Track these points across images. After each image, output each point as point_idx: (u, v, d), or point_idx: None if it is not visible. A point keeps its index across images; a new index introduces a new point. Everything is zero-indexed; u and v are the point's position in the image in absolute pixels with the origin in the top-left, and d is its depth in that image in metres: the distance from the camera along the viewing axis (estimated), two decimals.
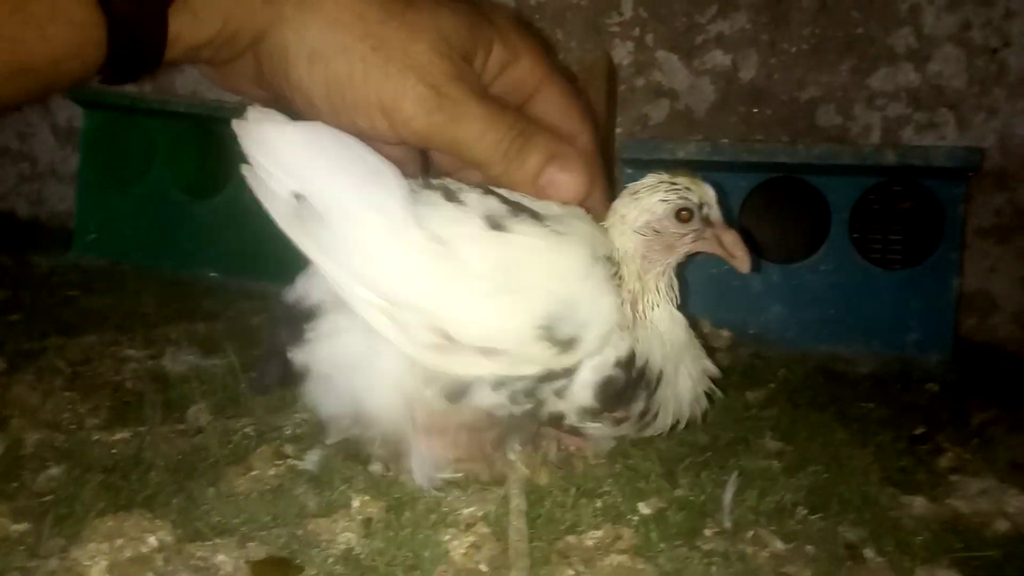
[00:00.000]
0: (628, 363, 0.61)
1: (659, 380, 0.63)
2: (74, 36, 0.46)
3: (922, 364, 1.07)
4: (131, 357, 0.97)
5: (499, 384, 0.58)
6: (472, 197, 0.58)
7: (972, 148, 1.16)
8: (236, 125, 0.55)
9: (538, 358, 0.58)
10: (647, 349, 0.63)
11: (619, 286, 0.62)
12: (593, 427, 0.65)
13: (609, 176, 1.32)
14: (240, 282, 1.32)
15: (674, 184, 0.63)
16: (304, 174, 0.54)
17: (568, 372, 0.60)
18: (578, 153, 0.61)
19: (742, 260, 0.64)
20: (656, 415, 0.65)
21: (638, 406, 0.63)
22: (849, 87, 1.38)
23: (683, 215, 0.63)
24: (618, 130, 1.43)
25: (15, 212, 1.94)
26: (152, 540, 0.53)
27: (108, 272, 1.41)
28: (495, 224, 0.57)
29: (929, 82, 1.35)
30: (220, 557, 0.53)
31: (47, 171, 1.89)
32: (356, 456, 0.67)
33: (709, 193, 0.64)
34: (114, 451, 0.71)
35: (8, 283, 1.30)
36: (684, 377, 0.66)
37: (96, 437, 0.73)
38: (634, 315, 0.63)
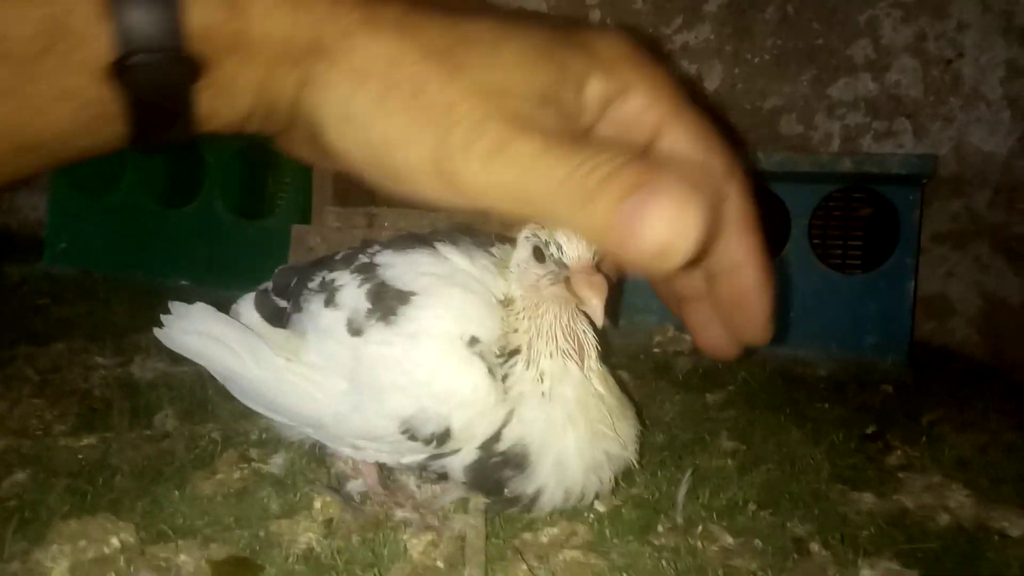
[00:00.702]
0: (490, 444, 0.58)
1: (529, 460, 0.58)
2: (84, 114, 0.41)
3: (878, 366, 1.10)
4: (100, 365, 0.98)
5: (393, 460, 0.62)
6: (347, 294, 0.61)
7: (926, 155, 1.19)
8: (156, 333, 0.65)
9: (419, 449, 0.59)
10: (519, 426, 0.58)
11: (513, 331, 0.60)
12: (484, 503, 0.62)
13: None
14: (211, 290, 1.32)
15: (535, 228, 0.60)
16: (204, 354, 0.63)
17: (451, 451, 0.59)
18: (679, 180, 0.39)
19: (593, 307, 0.56)
20: (537, 496, 0.59)
21: (514, 487, 0.59)
22: (810, 97, 1.41)
23: (536, 253, 0.59)
24: None
25: None
26: (115, 541, 0.54)
27: (79, 281, 1.41)
28: (355, 330, 0.59)
29: (887, 92, 1.38)
30: (182, 557, 0.54)
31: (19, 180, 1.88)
32: (319, 460, 0.68)
33: (563, 235, 0.58)
34: (80, 456, 0.71)
35: None
36: (570, 442, 0.59)
37: (63, 443, 0.74)
38: (513, 384, 0.59)
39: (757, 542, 0.60)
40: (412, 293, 0.59)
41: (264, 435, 0.75)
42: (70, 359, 1.00)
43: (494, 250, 0.64)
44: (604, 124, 0.46)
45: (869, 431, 0.84)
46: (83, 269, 1.48)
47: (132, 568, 0.52)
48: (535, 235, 0.59)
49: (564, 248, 0.58)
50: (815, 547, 0.60)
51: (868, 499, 0.69)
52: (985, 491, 0.71)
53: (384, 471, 0.66)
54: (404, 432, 0.57)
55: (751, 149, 1.39)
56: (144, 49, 0.39)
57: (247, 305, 0.67)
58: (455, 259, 0.62)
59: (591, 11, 1.46)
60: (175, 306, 0.65)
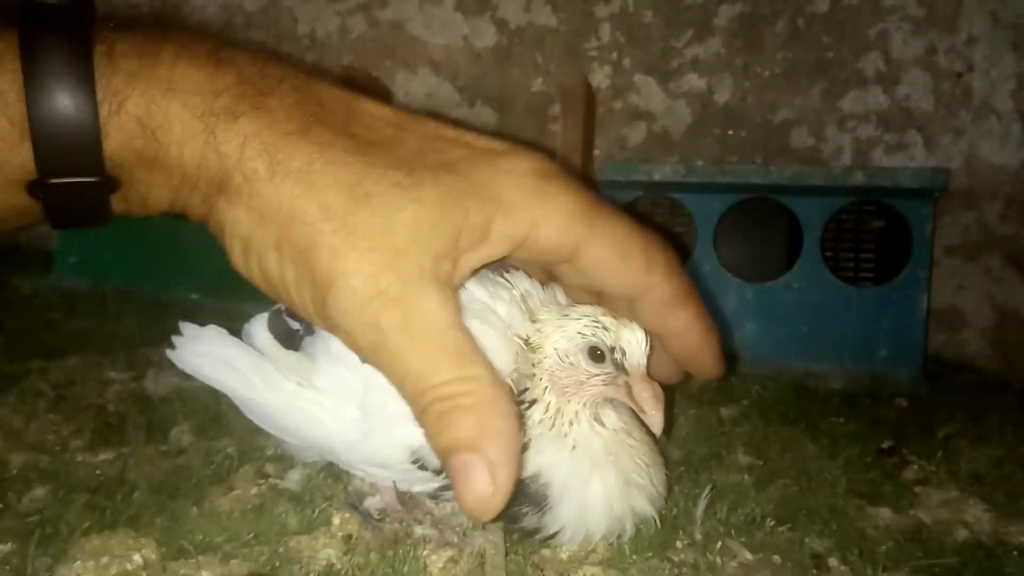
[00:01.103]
0: None
1: (548, 501, 0.57)
2: (11, 210, 0.45)
3: (892, 379, 1.10)
4: (114, 379, 0.98)
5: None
6: None
7: (938, 169, 1.19)
8: (168, 354, 0.64)
9: (431, 479, 0.59)
10: (540, 462, 0.57)
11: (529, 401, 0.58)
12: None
13: None
14: (221, 303, 1.33)
15: (597, 321, 0.58)
16: (215, 377, 0.63)
17: None
18: (506, 457, 0.44)
19: (653, 419, 0.57)
20: (555, 533, 0.58)
21: (530, 521, 0.58)
22: (821, 109, 1.42)
23: (596, 354, 0.57)
24: (596, 152, 1.46)
25: None
26: (137, 558, 0.54)
27: (89, 294, 1.41)
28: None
29: (898, 104, 1.39)
30: (203, 574, 0.54)
31: None
32: (337, 475, 0.68)
33: (630, 338, 0.57)
34: (98, 472, 0.72)
35: None
36: (596, 491, 0.58)
37: (80, 458, 0.74)
38: (530, 425, 0.58)
39: (776, 558, 0.60)
40: None
41: (280, 451, 0.75)
42: (84, 373, 1.00)
43: (510, 278, 0.63)
44: (520, 256, 0.50)
45: (885, 445, 0.84)
46: (93, 282, 1.48)
47: None
48: (596, 335, 0.57)
49: (629, 353, 0.57)
50: (834, 562, 0.60)
51: (885, 514, 0.69)
52: (1002, 506, 0.71)
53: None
54: (414, 462, 0.57)
55: (762, 162, 1.40)
56: (61, 173, 0.43)
57: (260, 326, 0.67)
58: (472, 288, 0.60)
59: (601, 24, 1.47)
60: (187, 328, 0.64)
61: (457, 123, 0.54)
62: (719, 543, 0.61)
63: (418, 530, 0.60)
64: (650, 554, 0.59)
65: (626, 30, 1.47)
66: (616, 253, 0.50)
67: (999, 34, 1.34)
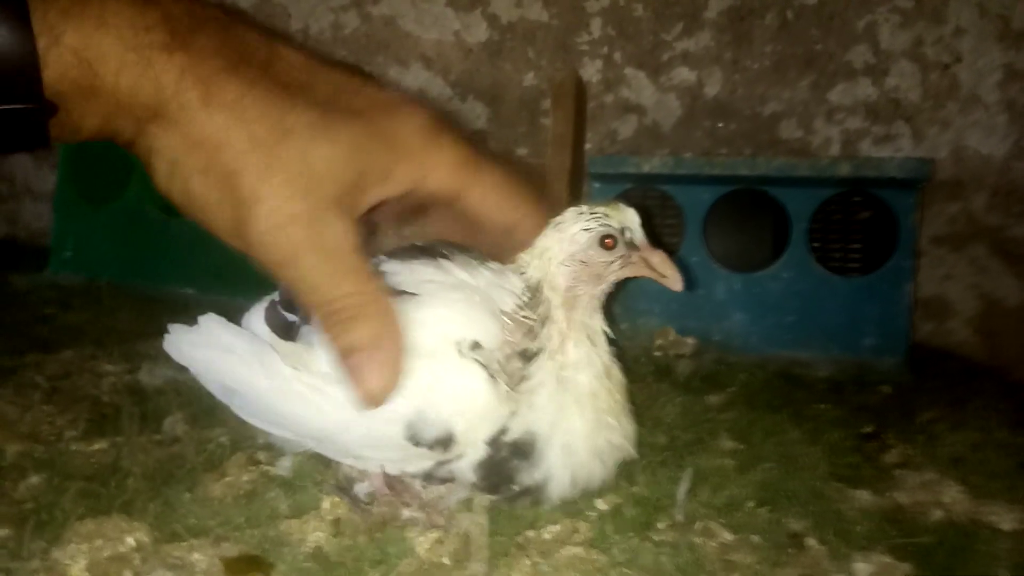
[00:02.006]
0: (498, 438, 0.60)
1: (535, 447, 0.60)
2: None
3: (877, 367, 1.11)
4: (108, 372, 1.00)
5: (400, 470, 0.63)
6: None
7: (923, 159, 1.20)
8: (164, 344, 0.65)
9: (425, 455, 0.60)
10: (529, 413, 0.60)
11: (531, 329, 0.62)
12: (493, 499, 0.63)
13: (578, 191, 1.36)
14: (216, 298, 1.34)
15: (594, 213, 0.63)
16: (213, 368, 0.64)
17: (454, 463, 0.61)
18: (394, 357, 0.55)
19: (673, 279, 0.63)
20: (545, 483, 0.61)
21: (523, 478, 0.61)
22: (809, 102, 1.43)
23: (607, 242, 0.62)
24: (588, 145, 1.47)
25: None
26: (130, 541, 0.55)
27: (85, 289, 1.42)
28: None
29: (886, 96, 1.40)
30: (195, 556, 0.56)
31: (23, 190, 1.91)
32: (326, 461, 0.70)
33: (631, 217, 0.63)
34: (92, 460, 0.73)
35: None
36: (578, 432, 0.61)
37: (75, 448, 0.75)
38: (532, 379, 0.61)
39: (755, 538, 0.61)
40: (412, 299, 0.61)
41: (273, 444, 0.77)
42: (79, 366, 1.01)
43: (491, 265, 0.66)
44: (411, 199, 0.59)
45: (867, 431, 0.85)
46: (89, 277, 1.49)
47: (147, 566, 0.54)
48: (603, 224, 0.62)
49: (635, 230, 0.63)
50: (811, 542, 0.61)
51: (864, 496, 0.71)
52: (978, 487, 0.72)
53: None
54: (409, 438, 0.59)
55: (750, 154, 1.41)
56: (3, 100, 0.47)
57: (257, 317, 0.68)
58: (456, 271, 0.64)
59: (592, 19, 1.48)
60: (177, 325, 0.66)
61: (365, 74, 0.59)
62: (700, 524, 0.62)
63: (405, 513, 0.61)
64: (631, 534, 0.60)
65: (617, 24, 1.48)
66: (496, 192, 0.61)
67: (986, 25, 1.35)
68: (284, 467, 0.70)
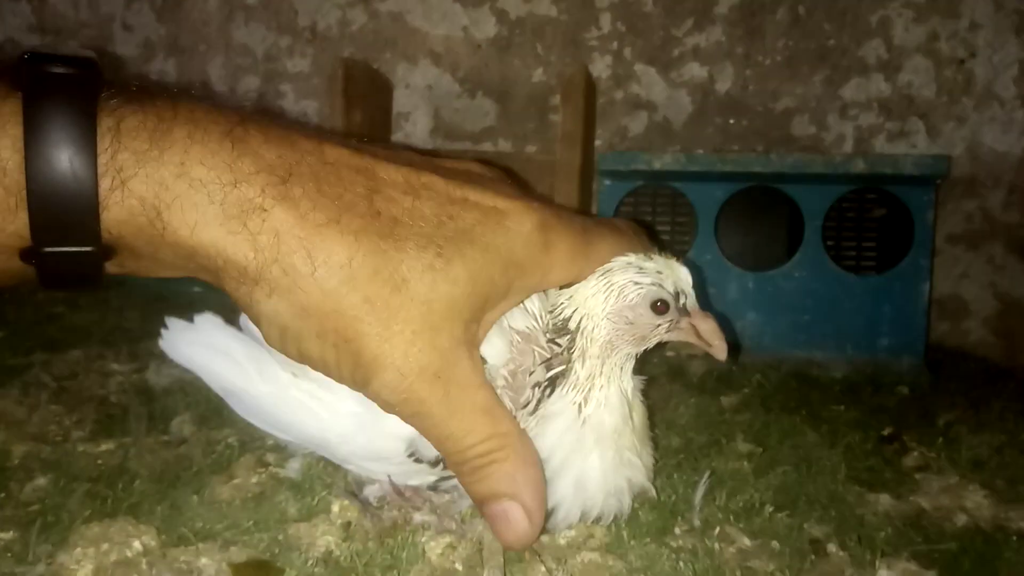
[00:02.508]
0: None
1: (546, 470, 0.56)
2: (5, 273, 0.45)
3: (894, 368, 1.10)
4: (116, 371, 0.99)
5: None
6: None
7: (939, 156, 1.19)
8: (161, 341, 0.64)
9: (427, 471, 0.59)
10: (542, 441, 0.57)
11: (554, 356, 0.58)
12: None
13: (588, 189, 1.35)
14: (224, 297, 1.33)
15: (645, 269, 0.58)
16: (208, 367, 0.62)
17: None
18: (536, 502, 0.52)
19: (719, 349, 0.59)
20: (553, 512, 0.57)
21: None
22: (822, 98, 1.41)
23: (659, 306, 0.58)
24: (597, 142, 1.46)
25: None
26: (137, 545, 0.54)
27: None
28: None
29: (899, 92, 1.38)
30: (203, 560, 0.54)
31: None
32: (336, 464, 0.68)
33: (685, 278, 0.59)
34: (99, 462, 0.72)
35: None
36: (593, 464, 0.58)
37: (82, 448, 0.74)
38: (545, 406, 0.58)
39: (774, 543, 0.60)
40: None
41: (280, 441, 0.76)
42: (86, 366, 1.01)
43: None
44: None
45: (885, 433, 0.84)
46: None
47: (154, 571, 0.53)
48: (657, 284, 0.58)
49: (688, 296, 0.59)
50: (832, 548, 0.60)
51: (885, 500, 0.69)
52: (1002, 491, 0.71)
53: None
54: (410, 455, 0.57)
55: (763, 151, 1.40)
56: (57, 243, 0.43)
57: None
58: None
59: (601, 14, 1.47)
60: (177, 321, 0.63)
61: (447, 154, 0.55)
62: (717, 529, 0.61)
63: (417, 517, 0.60)
64: (648, 539, 0.59)
65: (627, 19, 1.46)
66: (599, 264, 0.58)
67: (1002, 20, 1.33)
68: (293, 469, 0.69)
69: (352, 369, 0.49)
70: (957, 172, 1.33)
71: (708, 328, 0.59)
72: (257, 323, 0.50)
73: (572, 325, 0.59)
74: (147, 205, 0.43)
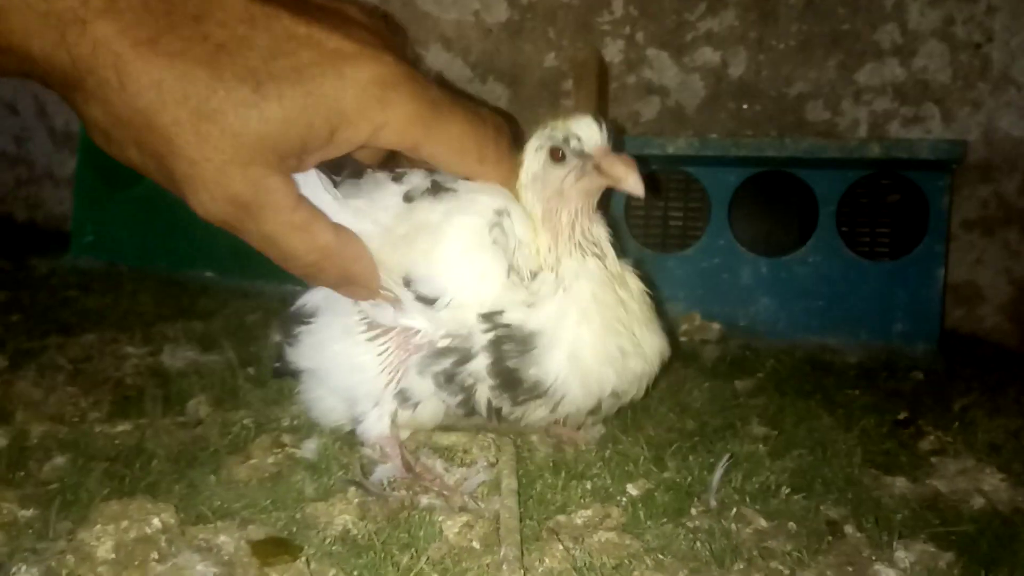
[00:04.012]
0: (493, 316, 0.60)
1: (534, 342, 0.60)
2: None
3: (908, 353, 1.09)
4: (130, 354, 0.99)
5: (423, 368, 0.62)
6: (412, 178, 0.64)
7: (955, 141, 1.18)
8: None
9: (409, 305, 0.61)
10: (531, 313, 0.60)
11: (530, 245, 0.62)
12: (519, 413, 0.63)
13: None
14: (236, 281, 1.33)
15: (544, 129, 0.61)
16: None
17: (468, 353, 0.60)
18: (374, 282, 0.61)
19: (631, 182, 0.59)
20: (555, 386, 0.60)
21: (530, 373, 0.60)
22: (836, 82, 1.40)
23: (556, 154, 0.60)
24: None
25: (13, 216, 1.95)
26: (156, 522, 0.55)
27: (106, 273, 1.42)
28: (408, 198, 0.63)
29: (914, 77, 1.37)
30: (222, 538, 0.55)
31: (44, 175, 1.91)
32: (352, 444, 0.69)
33: (581, 125, 0.60)
34: (117, 442, 0.72)
35: (8, 285, 1.32)
36: (584, 340, 0.60)
37: (99, 429, 0.75)
38: (537, 291, 0.61)
39: (791, 525, 0.60)
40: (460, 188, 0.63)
41: (296, 421, 0.76)
42: (101, 349, 1.01)
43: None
44: (366, 152, 0.60)
45: (901, 417, 0.83)
46: (109, 261, 1.49)
47: (174, 548, 0.53)
48: (549, 136, 0.60)
49: (583, 138, 0.60)
50: (849, 530, 0.60)
51: (901, 483, 0.69)
52: (1019, 475, 0.70)
53: (412, 453, 0.67)
54: (405, 278, 0.60)
55: (777, 136, 1.39)
56: None
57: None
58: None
59: None
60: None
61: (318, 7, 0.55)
62: (734, 510, 0.61)
63: (424, 499, 0.60)
64: (665, 520, 0.59)
65: (639, 3, 1.45)
66: (451, 149, 0.58)
67: (1019, 3, 1.31)
68: (310, 449, 0.69)
69: (170, 183, 0.51)
70: (972, 157, 1.32)
71: (614, 165, 0.59)
72: (84, 122, 0.51)
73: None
74: None
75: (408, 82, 0.54)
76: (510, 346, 0.60)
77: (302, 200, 0.54)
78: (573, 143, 0.60)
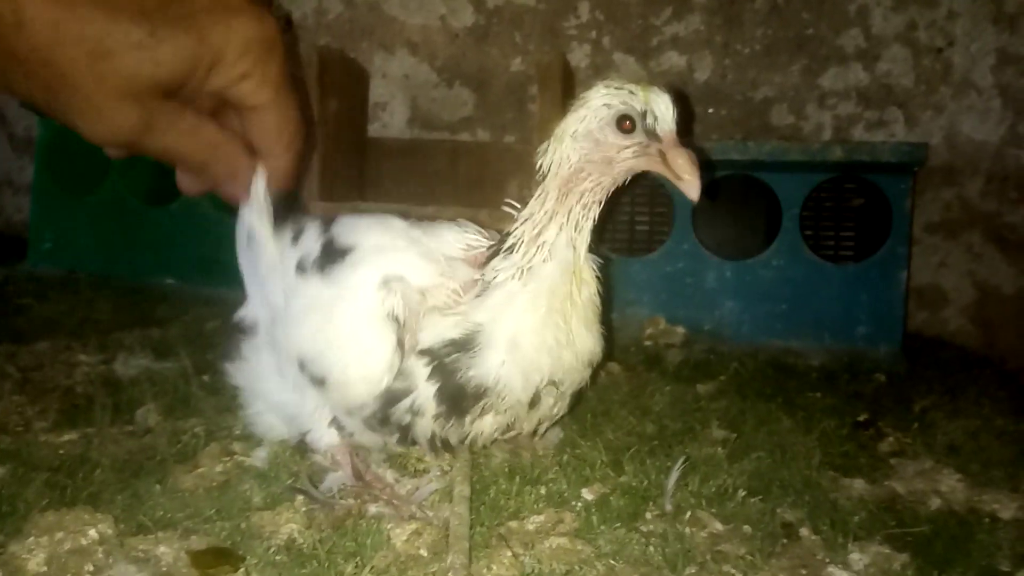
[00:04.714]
0: (430, 350, 0.58)
1: (478, 340, 0.58)
2: None
3: (871, 356, 1.09)
4: (83, 362, 0.97)
5: (347, 413, 0.62)
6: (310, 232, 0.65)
7: (917, 144, 1.18)
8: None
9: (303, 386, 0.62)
10: (471, 318, 0.58)
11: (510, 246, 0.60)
12: (467, 432, 0.62)
13: None
14: (196, 288, 1.31)
15: (619, 88, 0.56)
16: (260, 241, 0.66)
17: (408, 390, 0.59)
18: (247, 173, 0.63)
19: (690, 184, 0.56)
20: (497, 380, 0.58)
21: (470, 375, 0.58)
22: (801, 87, 1.41)
23: (625, 124, 0.55)
24: None
25: None
26: (92, 533, 0.53)
27: (64, 281, 1.39)
28: (300, 268, 0.63)
29: (878, 81, 1.38)
30: (161, 549, 0.53)
31: (3, 182, 1.87)
32: (303, 451, 0.67)
33: (661, 102, 0.56)
34: (61, 451, 0.70)
35: None
36: (526, 326, 0.58)
37: (43, 438, 0.73)
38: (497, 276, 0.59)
39: (746, 528, 0.59)
40: (350, 249, 0.62)
41: (248, 429, 0.74)
42: (52, 357, 0.98)
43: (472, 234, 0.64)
44: (217, 96, 0.60)
45: (861, 419, 0.83)
46: (68, 269, 1.46)
47: (110, 559, 0.51)
48: (624, 101, 0.55)
49: (660, 117, 0.56)
50: (805, 532, 0.59)
51: (859, 485, 0.69)
52: (976, 475, 0.70)
53: (363, 461, 0.65)
54: (298, 362, 0.60)
55: (741, 140, 1.39)
56: None
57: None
58: (398, 226, 0.64)
59: (580, 3, 1.45)
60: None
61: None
62: (689, 513, 0.60)
63: (372, 508, 0.59)
64: (618, 524, 0.58)
65: (605, 8, 1.45)
66: (274, 125, 0.62)
67: (980, 8, 1.33)
68: (260, 458, 0.68)
69: (62, 115, 0.53)
70: (935, 161, 1.33)
71: (681, 159, 0.56)
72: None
73: (544, 170, 0.59)
74: None
75: (280, 47, 0.59)
76: (455, 356, 0.58)
77: (183, 106, 0.57)
78: (649, 119, 0.55)
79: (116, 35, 0.51)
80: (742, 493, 0.64)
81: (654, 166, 0.56)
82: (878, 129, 1.38)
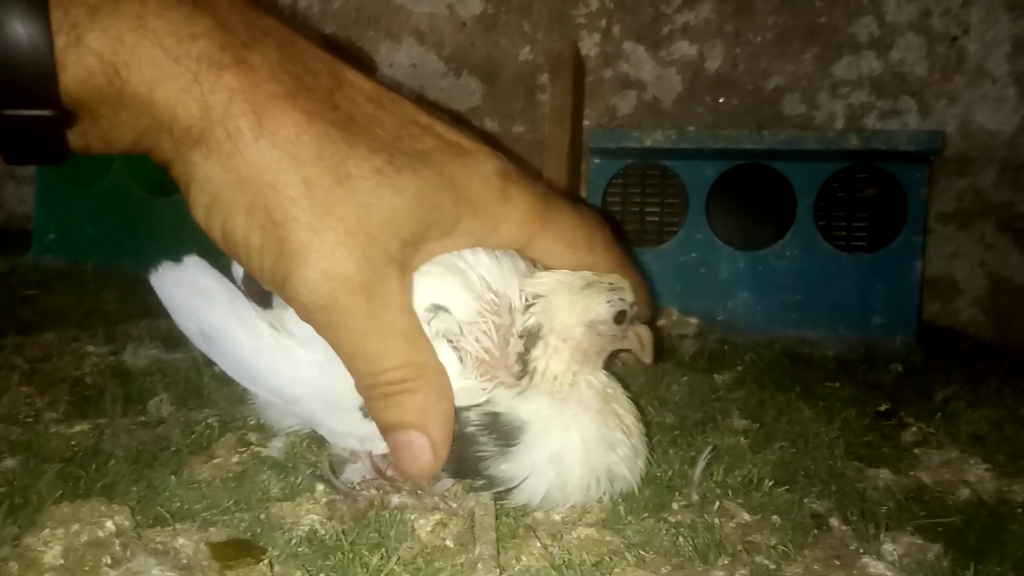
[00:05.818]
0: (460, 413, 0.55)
1: (520, 434, 0.55)
2: None
3: (887, 346, 1.08)
4: (91, 353, 0.96)
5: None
6: None
7: (933, 132, 1.17)
8: (151, 279, 0.61)
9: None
10: (513, 403, 0.56)
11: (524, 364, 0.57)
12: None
13: (577, 168, 1.32)
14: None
15: (612, 286, 0.60)
16: (193, 312, 0.60)
17: None
18: (442, 437, 0.52)
19: (650, 353, 0.63)
20: (522, 481, 0.56)
21: (490, 465, 0.55)
22: (813, 75, 1.39)
23: (619, 317, 0.60)
24: (586, 122, 1.43)
25: None
26: (109, 525, 0.52)
27: (68, 271, 1.38)
28: None
29: (891, 70, 1.37)
30: (180, 541, 0.52)
31: (5, 173, 1.86)
32: (321, 441, 0.66)
33: (631, 294, 0.61)
34: (73, 443, 0.69)
35: None
36: (574, 442, 0.56)
37: (54, 429, 0.71)
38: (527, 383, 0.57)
39: (775, 518, 0.58)
40: None
41: (263, 419, 0.73)
42: (60, 348, 0.97)
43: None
44: (482, 244, 0.55)
45: (882, 408, 0.82)
46: (72, 260, 1.45)
47: (128, 551, 0.50)
48: (621, 299, 0.60)
49: (632, 306, 0.61)
50: (835, 522, 0.58)
51: (885, 475, 0.68)
52: (1004, 465, 0.69)
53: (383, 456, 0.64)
54: (361, 407, 0.55)
55: (754, 129, 1.38)
56: (15, 105, 0.42)
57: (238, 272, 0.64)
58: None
59: None
60: (166, 263, 0.62)
61: (431, 104, 0.54)
62: (716, 504, 0.59)
63: (395, 499, 0.58)
64: (646, 515, 0.57)
65: None
66: (563, 242, 0.56)
67: None
68: (276, 448, 0.67)
69: (275, 259, 0.47)
70: (949, 150, 1.32)
71: (644, 334, 0.63)
72: (187, 192, 0.48)
73: (534, 326, 0.58)
74: (105, 62, 0.42)
75: (523, 177, 0.53)
76: (488, 438, 0.55)
77: (412, 308, 0.50)
78: (630, 311, 0.61)
79: (355, 158, 0.46)
80: (768, 483, 0.62)
81: (629, 345, 0.63)
82: (891, 118, 1.37)
